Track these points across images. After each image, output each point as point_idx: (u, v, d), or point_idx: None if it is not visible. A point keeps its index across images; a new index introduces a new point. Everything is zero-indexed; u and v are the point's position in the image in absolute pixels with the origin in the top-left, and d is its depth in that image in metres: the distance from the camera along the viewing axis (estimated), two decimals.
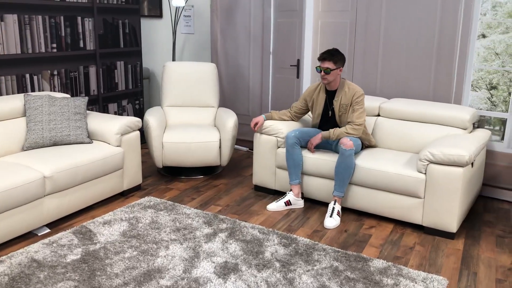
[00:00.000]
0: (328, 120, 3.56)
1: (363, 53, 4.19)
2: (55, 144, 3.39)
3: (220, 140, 3.97)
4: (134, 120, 3.63)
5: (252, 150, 5.00)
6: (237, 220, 3.21)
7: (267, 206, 3.47)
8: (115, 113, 4.84)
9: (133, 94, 5.04)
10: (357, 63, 4.24)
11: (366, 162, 3.29)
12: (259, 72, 4.86)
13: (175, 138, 3.89)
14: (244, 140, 5.12)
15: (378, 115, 3.83)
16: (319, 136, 3.41)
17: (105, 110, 4.71)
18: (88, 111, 3.82)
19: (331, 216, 3.23)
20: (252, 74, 4.90)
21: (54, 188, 3.01)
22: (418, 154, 3.50)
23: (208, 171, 4.26)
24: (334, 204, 3.30)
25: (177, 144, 3.88)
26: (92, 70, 4.52)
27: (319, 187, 3.49)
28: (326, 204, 3.57)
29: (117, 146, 3.51)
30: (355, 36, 4.20)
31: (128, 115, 5.01)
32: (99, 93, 4.62)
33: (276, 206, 3.46)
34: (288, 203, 3.47)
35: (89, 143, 3.49)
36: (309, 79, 4.57)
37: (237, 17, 4.87)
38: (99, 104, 4.63)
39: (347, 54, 4.27)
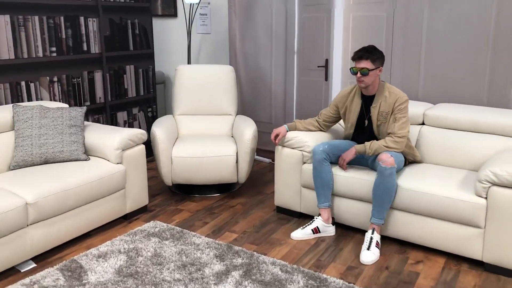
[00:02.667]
0: (363, 130, 3.01)
1: (402, 51, 3.60)
2: (46, 162, 2.96)
3: (237, 153, 3.46)
4: (137, 133, 3.16)
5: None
6: (255, 253, 2.69)
7: (292, 234, 2.94)
8: (125, 122, 4.40)
9: (145, 101, 4.59)
10: (395, 63, 3.65)
11: (410, 183, 2.72)
12: (282, 75, 4.33)
13: (186, 151, 3.40)
14: (266, 150, 4.60)
15: (423, 124, 3.24)
16: (352, 151, 2.86)
17: (113, 119, 4.28)
18: (87, 123, 3.38)
19: (368, 249, 2.68)
20: (275, 77, 4.38)
21: (39, 216, 2.56)
22: (474, 171, 2.90)
23: (224, 188, 3.76)
24: (372, 233, 2.74)
25: (187, 158, 3.39)
26: (98, 76, 4.10)
27: (353, 211, 2.94)
28: (361, 231, 3.01)
29: (118, 163, 3.05)
30: (393, 32, 3.62)
31: (139, 124, 4.57)
32: (106, 101, 4.19)
33: (302, 234, 2.92)
34: (316, 230, 2.93)
35: (86, 160, 3.04)
36: (339, 81, 4.01)
37: (257, 14, 4.36)
38: (106, 113, 4.20)
39: (384, 52, 3.68)
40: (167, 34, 5.18)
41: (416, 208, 2.69)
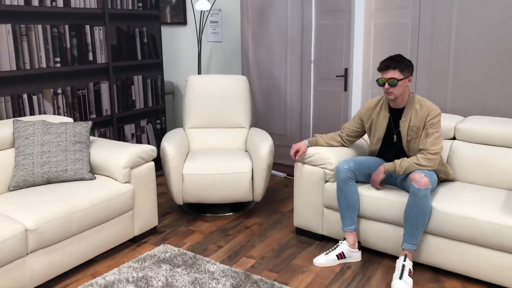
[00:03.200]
0: (391, 146, 2.77)
1: (429, 60, 3.37)
2: (48, 182, 2.74)
3: (252, 170, 3.23)
4: (147, 150, 2.94)
5: (292, 176, 4.24)
6: (275, 283, 2.45)
7: (314, 260, 2.69)
8: (133, 135, 4.19)
9: (153, 112, 4.38)
10: (421, 73, 3.42)
11: (446, 205, 2.47)
12: (298, 85, 4.11)
13: (198, 168, 3.18)
14: (281, 164, 4.37)
15: (454, 138, 3.00)
16: (381, 170, 2.62)
17: (120, 132, 4.07)
18: (93, 138, 3.17)
19: (400, 278, 2.43)
20: (290, 87, 4.16)
21: (40, 243, 2.34)
22: None
23: (239, 207, 3.53)
24: (404, 260, 2.49)
25: (199, 176, 3.16)
26: (104, 87, 3.89)
27: (381, 235, 2.69)
28: (389, 256, 2.77)
29: (126, 182, 2.83)
30: (418, 39, 3.38)
31: (148, 137, 4.36)
32: (113, 113, 3.98)
33: (326, 260, 2.68)
34: (341, 256, 2.69)
35: (91, 179, 2.82)
36: (359, 92, 3.78)
37: (271, 21, 4.14)
38: (113, 125, 3.99)
39: None
40: (177, 42, 4.98)
41: (452, 233, 2.44)
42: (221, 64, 4.68)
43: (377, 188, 2.69)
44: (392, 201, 2.60)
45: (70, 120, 3.18)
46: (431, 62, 3.36)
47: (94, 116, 3.83)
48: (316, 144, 2.95)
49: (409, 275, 2.45)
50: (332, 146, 2.95)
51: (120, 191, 2.76)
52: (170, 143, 3.22)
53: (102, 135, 3.91)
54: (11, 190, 2.67)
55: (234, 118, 3.70)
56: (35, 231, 2.30)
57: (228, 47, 4.58)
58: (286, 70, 4.14)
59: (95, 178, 2.84)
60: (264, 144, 3.23)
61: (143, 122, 4.30)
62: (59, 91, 3.54)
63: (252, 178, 3.24)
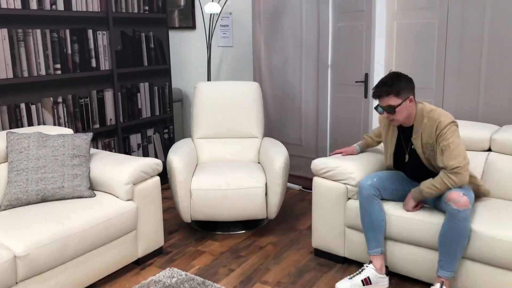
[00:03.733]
0: (404, 166, 2.53)
1: (458, 64, 3.09)
2: (43, 200, 2.51)
3: (266, 184, 2.97)
4: (151, 163, 2.70)
5: (308, 189, 3.97)
6: None
7: (337, 285, 2.41)
8: (139, 146, 3.95)
9: (161, 121, 4.15)
10: (449, 79, 3.14)
11: (487, 226, 2.18)
12: (314, 91, 3.84)
13: (207, 183, 2.93)
14: (296, 176, 4.10)
15: (489, 150, 2.71)
16: (409, 199, 2.39)
17: (125, 143, 3.83)
18: (94, 150, 2.93)
19: None
20: (305, 94, 3.89)
21: (31, 271, 2.10)
22: None
23: (251, 224, 3.27)
24: None
25: (208, 191, 2.91)
26: (108, 95, 3.67)
27: (412, 259, 2.41)
28: (420, 283, 2.48)
29: (128, 200, 2.58)
30: (446, 41, 3.11)
31: (155, 148, 4.12)
32: (118, 123, 3.75)
33: (350, 285, 2.40)
34: (367, 281, 2.41)
35: (91, 197, 2.58)
36: None
37: (285, 24, 3.89)
38: (118, 136, 3.76)
39: (435, 66, 3.18)
40: (185, 47, 4.75)
41: (495, 259, 2.15)
42: (231, 70, 4.44)
43: (413, 210, 2.41)
44: (425, 222, 2.32)
45: (70, 131, 2.95)
46: (461, 67, 3.08)
47: (97, 126, 3.60)
48: (367, 146, 2.81)
49: None
50: (380, 142, 2.82)
51: (122, 210, 2.51)
52: (177, 155, 2.97)
53: (106, 146, 3.68)
54: (3, 210, 2.44)
55: (246, 127, 3.44)
56: (25, 257, 2.06)
57: (239, 52, 4.34)
58: (301, 76, 3.88)
59: (94, 195, 2.60)
60: (278, 156, 2.97)
61: (149, 132, 4.07)
62: (60, 100, 3.32)
63: (266, 194, 2.98)
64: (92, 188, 2.70)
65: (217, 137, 3.46)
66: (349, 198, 2.61)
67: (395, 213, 2.42)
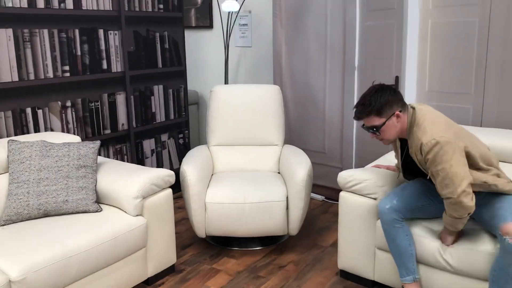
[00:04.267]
0: (412, 172, 2.24)
1: (500, 66, 2.79)
2: (46, 214, 2.31)
3: (287, 198, 2.73)
4: (163, 175, 2.48)
5: (331, 200, 3.71)
6: None
7: None
8: (152, 152, 3.75)
9: (176, 126, 3.94)
10: (490, 82, 2.84)
11: None
12: (339, 95, 3.58)
13: (223, 196, 2.70)
14: (318, 185, 3.84)
15: None
16: (446, 235, 2.09)
17: (138, 149, 3.64)
18: (103, 159, 2.73)
19: None
20: (330, 98, 3.63)
21: None
22: None
23: (270, 240, 3.03)
24: None
25: (225, 205, 2.68)
26: (121, 98, 3.47)
27: None
28: None
29: (137, 215, 2.37)
30: (488, 42, 2.82)
31: (169, 153, 3.91)
32: (130, 128, 3.55)
33: None
34: None
35: (96, 211, 2.37)
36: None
37: (308, 23, 3.64)
38: (130, 141, 3.57)
39: (474, 68, 2.88)
40: (202, 48, 4.54)
41: None
42: (250, 72, 4.20)
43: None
44: (471, 251, 2.04)
45: (77, 138, 2.75)
46: (504, 69, 2.78)
47: (108, 131, 3.41)
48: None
49: None
50: None
51: (130, 227, 2.30)
52: (191, 165, 2.75)
53: (118, 152, 3.49)
54: (2, 225, 2.25)
55: (265, 134, 3.20)
56: (21, 282, 1.86)
57: (258, 53, 4.10)
58: (325, 78, 3.63)
59: (101, 209, 2.39)
60: (300, 167, 2.72)
61: (164, 137, 3.86)
62: (68, 104, 3.14)
63: (287, 208, 2.74)
64: (99, 201, 2.49)
65: (234, 144, 3.23)
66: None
67: (429, 237, 2.15)
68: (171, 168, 3.95)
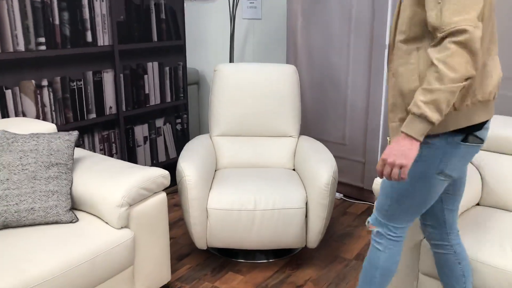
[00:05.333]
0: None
1: None
2: (5, 226, 1.83)
3: (307, 204, 2.25)
4: (155, 177, 1.99)
5: (350, 198, 3.24)
6: None
7: None
8: (145, 140, 3.26)
9: (173, 109, 3.43)
10: None
11: None
12: (364, 77, 3.06)
13: (228, 200, 2.22)
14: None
15: None
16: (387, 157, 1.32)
17: (129, 136, 3.14)
18: (83, 152, 2.23)
19: None
20: (353, 81, 3.11)
21: None
22: None
23: (283, 250, 2.56)
24: None
25: (231, 212, 2.20)
26: (108, 77, 2.95)
27: None
28: None
29: (122, 227, 1.89)
30: None
31: (165, 141, 3.42)
32: (120, 111, 3.05)
33: None
34: None
35: (71, 222, 1.89)
36: None
37: None
38: (119, 127, 3.07)
39: None
40: (204, 20, 3.98)
41: None
42: (259, 48, 3.66)
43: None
44: None
45: (50, 127, 2.25)
46: None
47: (93, 115, 2.91)
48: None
49: None
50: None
51: (113, 243, 1.82)
52: (191, 162, 2.25)
53: (105, 140, 3.00)
54: None
55: (279, 123, 2.70)
56: None
57: (269, 27, 3.56)
58: (349, 58, 3.10)
59: (76, 220, 1.91)
60: (324, 168, 2.23)
61: (159, 122, 3.36)
62: (44, 83, 2.62)
63: (306, 215, 2.26)
64: (75, 207, 2.01)
65: (241, 134, 2.74)
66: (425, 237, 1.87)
67: (489, 261, 1.68)
68: (168, 159, 3.46)
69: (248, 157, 2.68)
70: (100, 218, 1.93)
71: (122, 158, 3.11)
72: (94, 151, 2.94)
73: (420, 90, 1.23)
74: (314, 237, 2.26)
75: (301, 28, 3.26)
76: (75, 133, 2.03)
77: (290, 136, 2.75)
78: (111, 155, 3.05)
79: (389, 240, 1.52)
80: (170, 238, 2.67)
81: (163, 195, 2.06)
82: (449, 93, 1.20)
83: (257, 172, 2.51)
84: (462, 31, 1.17)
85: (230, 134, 2.74)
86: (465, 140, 1.36)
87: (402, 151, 1.26)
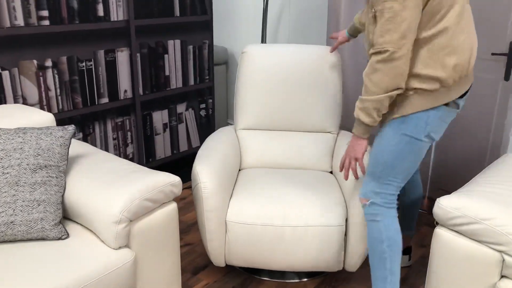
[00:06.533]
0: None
1: None
2: None
3: (347, 220, 1.86)
4: (163, 185, 1.64)
5: None
6: None
7: None
8: (165, 127, 2.92)
9: (196, 93, 3.07)
10: None
11: None
12: None
13: (252, 213, 1.85)
14: None
15: None
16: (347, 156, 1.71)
17: (146, 123, 2.80)
18: (82, 146, 1.89)
19: None
20: None
21: None
22: None
23: None
24: None
25: (255, 227, 1.83)
26: (123, 57, 2.61)
27: None
28: None
29: (121, 247, 1.55)
30: None
31: (187, 130, 3.07)
32: (136, 96, 2.71)
33: None
34: None
35: (59, 238, 1.57)
36: None
37: None
38: (135, 113, 2.74)
39: None
40: None
41: None
42: (296, 27, 3.22)
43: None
44: None
45: (47, 118, 1.92)
46: None
47: (106, 100, 2.58)
48: (354, 29, 2.05)
49: None
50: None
51: (108, 267, 1.49)
52: (208, 165, 1.88)
53: (119, 128, 2.67)
54: None
55: (315, 116, 2.29)
56: None
57: (308, 2, 3.11)
58: None
59: (66, 236, 1.58)
60: None
61: (180, 108, 3.01)
62: (48, 63, 2.30)
63: (345, 234, 1.87)
64: (69, 217, 1.69)
65: (271, 129, 2.34)
66: (504, 276, 1.45)
67: None
68: (189, 148, 3.12)
69: (278, 156, 2.29)
70: (95, 234, 1.60)
71: (138, 148, 2.79)
72: (106, 141, 2.63)
73: (359, 97, 1.51)
74: (353, 261, 1.87)
75: (345, 5, 2.80)
76: (71, 128, 1.69)
77: (328, 132, 2.34)
78: (125, 145, 2.73)
79: (383, 207, 1.62)
80: (186, 245, 2.34)
81: (173, 206, 1.71)
82: (375, 102, 1.46)
83: (287, 175, 2.12)
84: (384, 52, 1.40)
85: (257, 128, 2.35)
86: (446, 104, 1.52)
87: (353, 147, 1.60)
